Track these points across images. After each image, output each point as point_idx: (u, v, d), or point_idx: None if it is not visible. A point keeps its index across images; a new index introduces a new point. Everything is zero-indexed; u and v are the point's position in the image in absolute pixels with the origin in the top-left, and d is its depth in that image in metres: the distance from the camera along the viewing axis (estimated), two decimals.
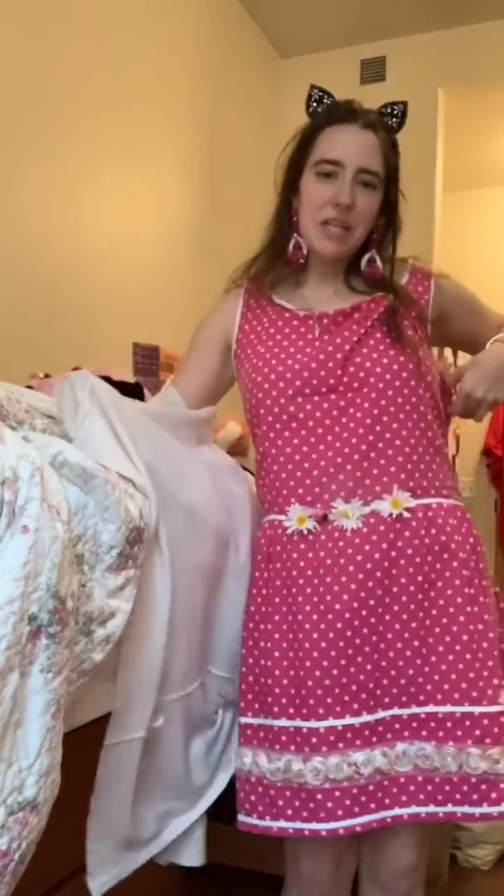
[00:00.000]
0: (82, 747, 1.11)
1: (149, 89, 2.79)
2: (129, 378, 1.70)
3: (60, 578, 0.91)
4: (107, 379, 1.61)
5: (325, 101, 1.35)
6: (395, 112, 1.33)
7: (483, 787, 1.16)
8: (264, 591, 1.30)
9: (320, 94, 1.35)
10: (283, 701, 1.23)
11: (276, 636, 1.26)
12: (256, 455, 1.38)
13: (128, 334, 2.27)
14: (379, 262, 1.36)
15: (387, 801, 1.19)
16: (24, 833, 0.86)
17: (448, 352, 2.82)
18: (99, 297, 2.51)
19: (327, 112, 1.33)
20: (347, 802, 1.17)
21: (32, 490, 0.91)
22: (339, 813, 1.17)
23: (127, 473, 1.11)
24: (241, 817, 1.26)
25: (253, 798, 1.24)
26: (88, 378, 1.22)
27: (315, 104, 1.35)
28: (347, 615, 1.21)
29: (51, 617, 0.90)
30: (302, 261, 1.36)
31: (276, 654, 1.25)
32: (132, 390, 1.64)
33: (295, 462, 1.28)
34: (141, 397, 1.64)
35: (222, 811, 1.61)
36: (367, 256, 1.35)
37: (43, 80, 2.26)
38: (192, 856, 1.32)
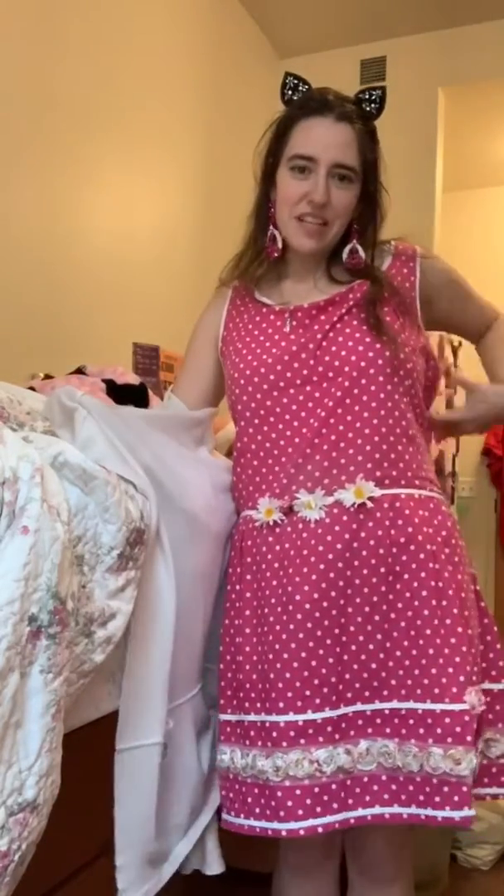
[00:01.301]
0: (82, 748, 1.11)
1: (149, 89, 2.79)
2: (133, 379, 1.69)
3: (60, 579, 0.91)
4: (110, 382, 1.61)
5: (300, 88, 1.30)
6: (373, 97, 1.28)
7: (445, 789, 1.11)
8: (237, 587, 1.30)
9: (295, 81, 1.30)
10: (252, 695, 1.22)
11: (247, 631, 1.25)
12: (234, 452, 1.37)
13: (128, 334, 2.27)
14: (361, 252, 1.32)
15: (350, 801, 1.16)
16: (24, 834, 0.86)
17: (448, 352, 2.82)
18: (99, 297, 2.51)
19: (301, 103, 1.29)
20: (308, 802, 1.14)
21: (33, 491, 0.91)
22: (300, 812, 1.14)
23: (126, 475, 1.11)
24: (223, 815, 1.25)
25: (231, 795, 1.23)
26: (76, 393, 1.21)
27: (290, 92, 1.31)
28: (308, 607, 1.19)
29: (51, 618, 0.90)
30: (276, 255, 1.34)
31: (247, 648, 1.24)
32: (136, 393, 1.64)
33: (267, 454, 1.28)
34: (146, 399, 1.63)
35: (220, 811, 1.61)
36: (348, 247, 1.31)
37: (43, 80, 2.26)
38: (214, 864, 1.33)
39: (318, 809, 1.14)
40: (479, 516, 4.62)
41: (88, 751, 1.14)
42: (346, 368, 1.24)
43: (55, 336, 2.28)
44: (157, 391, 1.89)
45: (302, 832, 1.14)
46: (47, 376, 1.75)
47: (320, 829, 1.14)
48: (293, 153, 1.27)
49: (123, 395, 1.58)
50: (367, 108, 1.28)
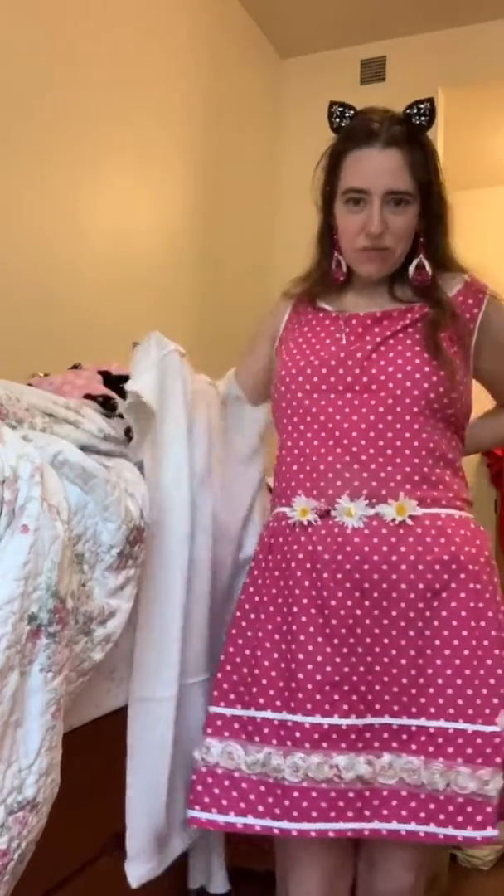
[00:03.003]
0: (82, 747, 1.11)
1: (148, 89, 2.79)
2: (128, 371, 1.70)
3: (60, 578, 0.91)
4: (106, 373, 1.62)
5: (346, 115, 1.30)
6: (422, 110, 1.27)
7: (469, 808, 1.11)
8: (259, 582, 1.30)
9: (340, 109, 1.30)
10: (271, 693, 1.20)
11: (269, 627, 1.24)
12: (276, 449, 1.40)
13: (128, 334, 2.27)
14: (428, 268, 1.31)
15: (366, 812, 1.15)
16: (24, 832, 0.86)
17: None
18: (99, 297, 2.51)
19: (347, 134, 1.29)
20: (324, 805, 1.14)
21: (32, 489, 0.91)
22: (314, 814, 1.14)
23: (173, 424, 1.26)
24: (196, 813, 1.20)
25: (216, 791, 1.20)
26: (165, 341, 1.36)
27: (338, 120, 1.30)
28: (342, 612, 1.19)
29: (51, 616, 0.90)
30: (342, 279, 1.36)
31: (268, 644, 1.23)
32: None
33: (306, 455, 1.28)
34: None
35: None
36: (415, 262, 1.30)
37: (43, 80, 2.26)
38: (219, 884, 1.38)
39: (333, 815, 1.14)
40: (480, 516, 4.57)
41: (88, 749, 1.14)
42: (391, 385, 1.25)
43: (55, 336, 2.28)
44: None
45: (314, 833, 1.13)
46: (47, 376, 1.75)
47: (332, 834, 1.14)
48: (346, 187, 1.28)
49: (121, 385, 1.59)
50: (418, 122, 1.27)
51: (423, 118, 1.27)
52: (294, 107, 3.78)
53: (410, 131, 1.27)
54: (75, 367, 1.75)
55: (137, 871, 1.18)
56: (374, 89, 3.59)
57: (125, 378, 1.64)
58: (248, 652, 1.25)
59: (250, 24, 3.54)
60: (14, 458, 0.92)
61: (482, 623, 1.19)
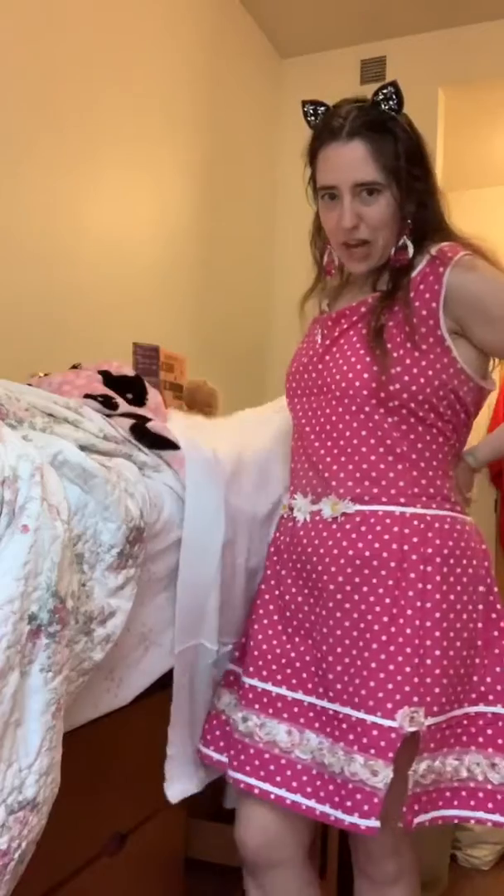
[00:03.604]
0: (82, 747, 1.11)
1: (149, 89, 2.79)
2: (129, 371, 1.70)
3: (60, 578, 0.91)
4: (106, 373, 1.62)
5: (319, 111, 1.30)
6: (388, 94, 1.25)
7: (358, 795, 1.15)
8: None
9: (312, 107, 1.31)
10: (247, 660, 1.34)
11: (258, 602, 1.39)
12: None
13: (128, 334, 2.27)
14: (411, 249, 1.28)
15: (277, 778, 1.23)
16: (25, 832, 0.86)
17: None
18: (99, 297, 2.51)
19: (317, 132, 1.30)
20: (256, 762, 1.25)
21: (32, 489, 0.91)
22: (248, 769, 1.25)
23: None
24: (205, 749, 1.36)
25: (217, 734, 1.36)
26: None
27: (312, 118, 1.31)
28: (288, 598, 1.32)
29: (51, 616, 0.90)
30: (334, 271, 1.38)
31: (253, 616, 1.38)
32: (132, 384, 1.64)
33: (292, 454, 1.41)
34: (143, 390, 1.64)
35: (222, 812, 1.61)
36: (398, 243, 1.28)
37: (43, 81, 2.26)
38: None
39: (262, 774, 1.23)
40: (479, 516, 4.58)
41: (88, 749, 1.15)
42: (333, 385, 1.28)
43: (55, 336, 2.28)
44: (157, 390, 1.88)
45: (242, 786, 1.25)
46: (47, 376, 1.75)
47: (256, 792, 1.23)
48: (319, 185, 1.30)
49: (120, 386, 1.59)
50: (386, 107, 1.26)
51: (390, 102, 1.25)
52: (294, 107, 3.76)
53: (377, 119, 1.25)
54: (75, 367, 1.76)
55: (175, 789, 1.33)
56: (373, 89, 3.59)
57: (125, 378, 1.65)
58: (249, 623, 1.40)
59: (250, 24, 3.54)
60: (14, 458, 0.92)
61: (400, 620, 1.20)
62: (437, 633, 1.20)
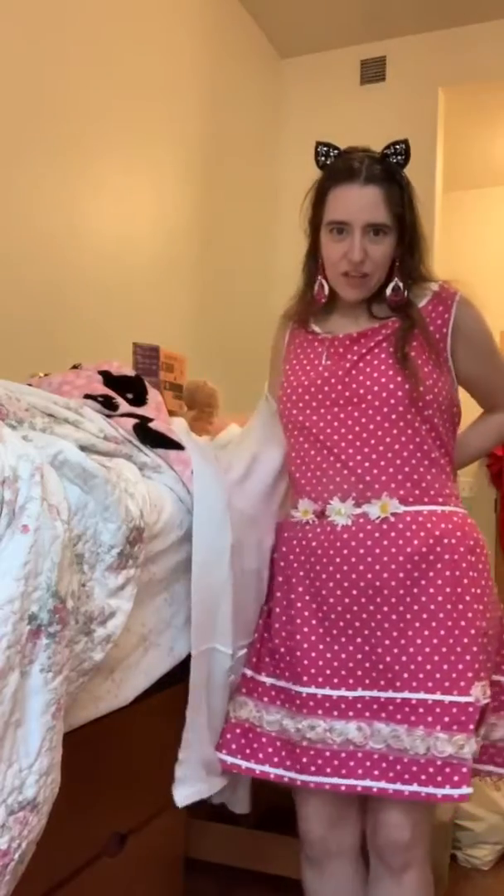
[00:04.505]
0: (82, 747, 1.11)
1: (149, 89, 2.79)
2: (129, 371, 1.70)
3: (60, 578, 0.91)
4: (106, 374, 1.62)
5: (331, 154, 1.45)
6: (399, 150, 1.42)
7: (447, 770, 1.27)
8: (272, 573, 1.50)
9: (325, 148, 1.45)
10: (282, 665, 1.41)
11: (277, 610, 1.45)
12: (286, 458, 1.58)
13: (128, 334, 2.27)
14: (403, 289, 1.45)
15: (359, 771, 1.32)
16: (25, 833, 0.86)
17: None
18: (99, 297, 2.51)
19: (330, 173, 1.43)
20: (320, 762, 1.33)
21: (32, 489, 0.91)
22: (312, 769, 1.33)
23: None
24: (223, 756, 1.40)
25: (243, 741, 1.41)
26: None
27: (323, 159, 1.45)
28: (332, 600, 1.38)
29: (51, 616, 0.90)
30: (323, 300, 1.50)
31: (277, 625, 1.44)
32: (133, 384, 1.64)
33: (305, 464, 1.47)
34: (143, 390, 1.64)
35: (222, 812, 1.61)
36: (391, 285, 1.45)
37: (43, 81, 2.26)
38: (239, 804, 1.55)
39: (328, 770, 1.32)
40: (479, 516, 4.56)
41: (88, 749, 1.15)
42: (369, 397, 1.40)
43: (55, 336, 2.28)
44: (157, 390, 1.89)
45: (312, 785, 1.33)
46: (47, 376, 1.75)
47: (328, 787, 1.32)
48: (330, 219, 1.42)
49: (120, 386, 1.59)
50: (395, 161, 1.42)
51: (399, 157, 1.43)
52: (294, 107, 3.78)
53: (387, 169, 1.41)
54: (75, 367, 1.76)
55: (184, 792, 1.34)
56: (373, 89, 3.59)
57: (125, 378, 1.65)
58: (268, 629, 1.46)
59: (250, 24, 3.54)
60: (14, 458, 0.92)
61: (459, 606, 1.34)
62: (488, 615, 1.37)
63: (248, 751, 1.40)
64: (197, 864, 1.70)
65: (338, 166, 1.43)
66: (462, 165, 4.35)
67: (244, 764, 1.39)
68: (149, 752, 1.32)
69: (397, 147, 1.42)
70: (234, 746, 1.41)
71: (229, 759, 1.40)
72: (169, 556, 1.30)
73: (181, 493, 1.35)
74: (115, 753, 1.23)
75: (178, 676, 1.32)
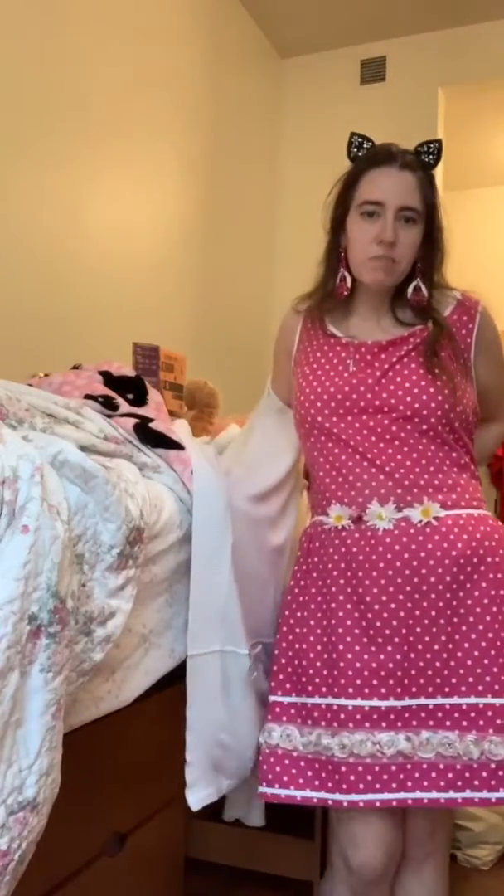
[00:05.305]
0: (82, 747, 1.11)
1: (149, 89, 2.79)
2: (129, 372, 1.70)
3: (60, 578, 0.91)
4: (106, 374, 1.62)
5: (364, 146, 1.46)
6: (432, 150, 1.44)
7: (501, 772, 1.27)
8: (302, 583, 1.44)
9: (360, 139, 1.46)
10: (317, 681, 1.35)
11: (312, 623, 1.39)
12: (306, 463, 1.56)
13: (128, 334, 2.27)
14: (424, 290, 1.45)
15: (409, 783, 1.28)
16: (25, 833, 0.86)
17: None
18: (99, 297, 2.51)
19: (368, 157, 1.44)
20: (369, 778, 1.28)
21: (32, 490, 0.91)
22: (361, 787, 1.28)
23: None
24: (263, 789, 1.35)
25: (278, 769, 1.35)
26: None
27: (356, 149, 1.46)
28: (377, 607, 1.34)
29: (51, 616, 0.90)
30: (346, 293, 1.48)
31: (311, 638, 1.38)
32: (133, 384, 1.64)
33: (336, 469, 1.43)
34: (143, 390, 1.64)
35: (222, 812, 1.61)
36: (412, 285, 1.45)
37: (43, 81, 2.26)
38: (255, 817, 1.56)
39: (378, 786, 1.28)
40: None
41: (88, 749, 1.15)
42: (401, 407, 1.40)
43: (55, 336, 2.28)
44: (157, 390, 1.89)
45: (362, 804, 1.28)
46: (47, 376, 1.75)
47: (378, 804, 1.28)
48: (363, 199, 1.41)
49: (120, 386, 1.59)
50: (426, 160, 1.44)
51: (430, 156, 1.45)
52: (294, 107, 3.78)
53: (421, 164, 1.43)
54: (75, 367, 1.76)
55: (197, 795, 1.34)
56: (374, 89, 3.59)
57: (126, 378, 1.65)
58: (296, 647, 1.40)
59: (250, 24, 3.54)
60: (14, 458, 0.92)
61: None
62: None
63: (285, 778, 1.35)
64: (197, 864, 1.70)
65: (376, 151, 1.44)
66: (462, 165, 4.35)
67: (283, 792, 1.34)
68: (149, 752, 1.32)
69: (430, 146, 1.44)
70: (270, 777, 1.35)
71: (269, 791, 1.34)
72: (170, 557, 1.30)
73: (181, 493, 1.35)
74: (115, 753, 1.23)
75: (178, 676, 1.32)
